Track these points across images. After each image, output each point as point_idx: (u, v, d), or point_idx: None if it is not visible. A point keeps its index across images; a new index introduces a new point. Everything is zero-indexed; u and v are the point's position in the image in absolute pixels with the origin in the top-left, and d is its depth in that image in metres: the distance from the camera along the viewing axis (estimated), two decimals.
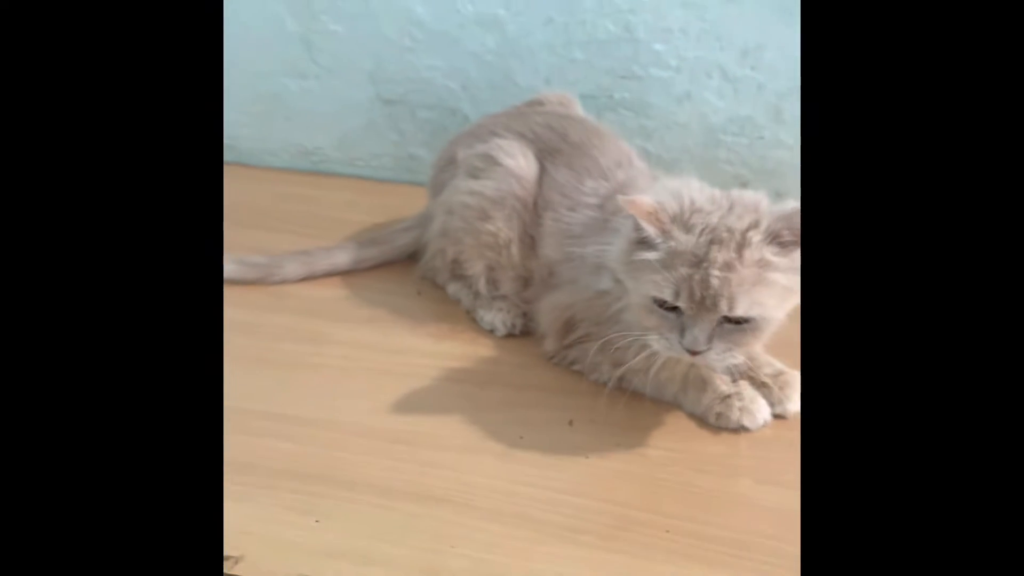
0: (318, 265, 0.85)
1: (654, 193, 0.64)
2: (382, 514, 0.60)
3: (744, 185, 0.97)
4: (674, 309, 0.60)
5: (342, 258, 0.86)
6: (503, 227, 0.75)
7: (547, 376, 0.73)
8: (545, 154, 0.76)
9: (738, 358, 0.61)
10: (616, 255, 0.64)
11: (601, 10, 0.90)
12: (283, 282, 0.84)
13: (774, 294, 0.59)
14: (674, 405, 0.69)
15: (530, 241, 0.75)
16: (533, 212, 0.75)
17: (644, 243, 0.62)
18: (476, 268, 0.77)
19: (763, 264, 0.59)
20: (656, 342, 0.62)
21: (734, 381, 0.68)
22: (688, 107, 0.93)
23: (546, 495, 0.61)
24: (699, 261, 0.59)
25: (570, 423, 0.68)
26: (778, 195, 0.92)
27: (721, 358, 0.60)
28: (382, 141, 1.03)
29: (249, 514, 0.59)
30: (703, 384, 0.67)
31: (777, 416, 0.68)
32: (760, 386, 0.69)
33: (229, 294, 0.81)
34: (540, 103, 0.84)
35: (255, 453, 0.64)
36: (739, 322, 0.59)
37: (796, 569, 0.54)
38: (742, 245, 0.59)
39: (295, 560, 0.56)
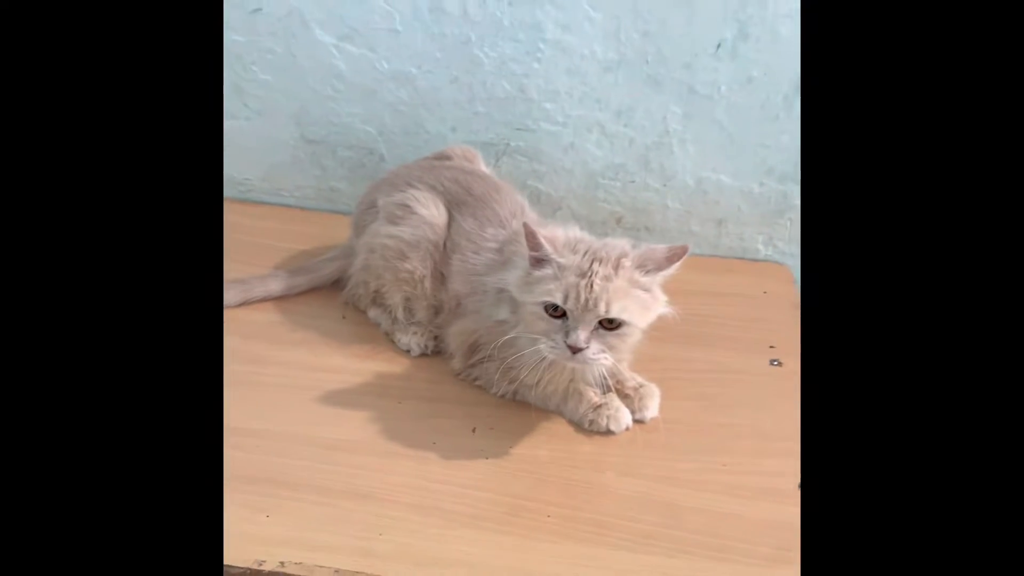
0: (254, 292, 0.97)
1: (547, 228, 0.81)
2: (321, 509, 0.73)
3: (619, 220, 1.14)
4: (561, 316, 0.75)
5: (275, 285, 0.98)
6: (418, 265, 0.89)
7: (454, 390, 0.88)
8: (453, 204, 0.91)
9: (608, 360, 0.76)
10: (514, 279, 0.79)
11: (499, 72, 1.04)
12: (224, 307, 0.96)
13: (638, 306, 0.76)
14: (556, 414, 0.85)
15: (440, 277, 0.90)
16: (443, 253, 0.89)
17: (538, 263, 0.77)
18: (395, 299, 0.91)
19: (632, 281, 0.76)
20: (544, 346, 0.76)
21: (604, 393, 0.85)
22: (572, 155, 1.09)
23: (454, 490, 0.76)
24: (584, 273, 0.74)
25: (473, 430, 0.83)
26: (646, 229, 1.11)
27: (596, 357, 0.75)
28: (305, 175, 1.15)
29: None
30: (579, 396, 0.84)
31: (637, 421, 0.85)
32: (624, 397, 0.86)
33: None
34: (448, 156, 0.98)
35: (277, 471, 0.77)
36: (611, 327, 0.75)
37: (646, 544, 0.72)
38: (617, 265, 0.75)
39: (251, 550, 0.69)
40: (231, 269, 0.99)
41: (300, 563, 0.68)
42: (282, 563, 0.68)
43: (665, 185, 1.10)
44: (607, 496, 0.78)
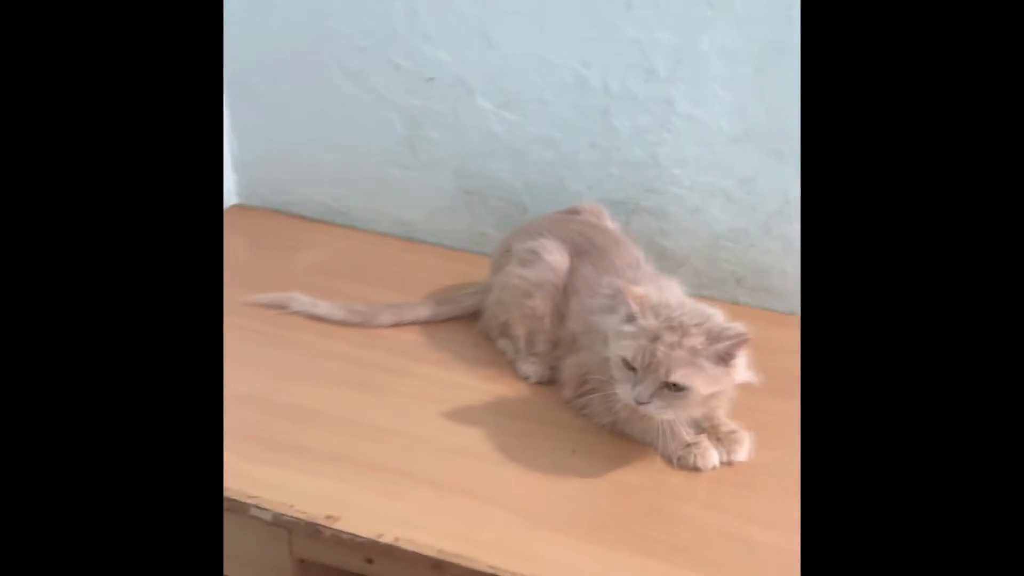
0: (405, 315, 1.13)
1: (646, 288, 0.91)
2: (433, 500, 0.86)
3: (739, 280, 1.22)
4: (633, 369, 0.86)
5: (423, 312, 1.14)
6: (540, 304, 1.02)
7: (563, 416, 0.99)
8: (576, 253, 1.03)
9: (671, 415, 0.86)
10: (611, 324, 0.91)
11: (634, 140, 1.17)
12: (378, 327, 1.12)
13: (700, 376, 0.84)
14: (650, 447, 0.95)
15: (560, 316, 1.02)
16: (564, 295, 1.02)
17: (629, 319, 0.88)
18: (519, 331, 1.04)
19: (694, 352, 0.85)
20: (620, 390, 0.87)
21: (697, 434, 0.93)
22: (697, 217, 1.19)
23: (549, 499, 0.86)
24: (655, 338, 0.85)
25: (573, 451, 0.94)
26: (766, 290, 1.18)
27: (658, 411, 0.86)
28: (460, 220, 1.32)
29: (343, 491, 0.87)
30: (673, 434, 0.93)
31: (726, 463, 0.93)
32: (716, 440, 0.94)
33: (337, 332, 1.11)
34: (577, 211, 1.11)
35: (352, 448, 0.92)
36: (675, 389, 0.85)
37: (718, 570, 0.79)
38: (684, 334, 0.85)
39: (372, 525, 0.83)
40: (390, 296, 1.17)
41: (411, 540, 0.81)
42: (396, 539, 0.81)
43: (784, 251, 1.17)
44: (687, 524, 0.86)
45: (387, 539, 0.81)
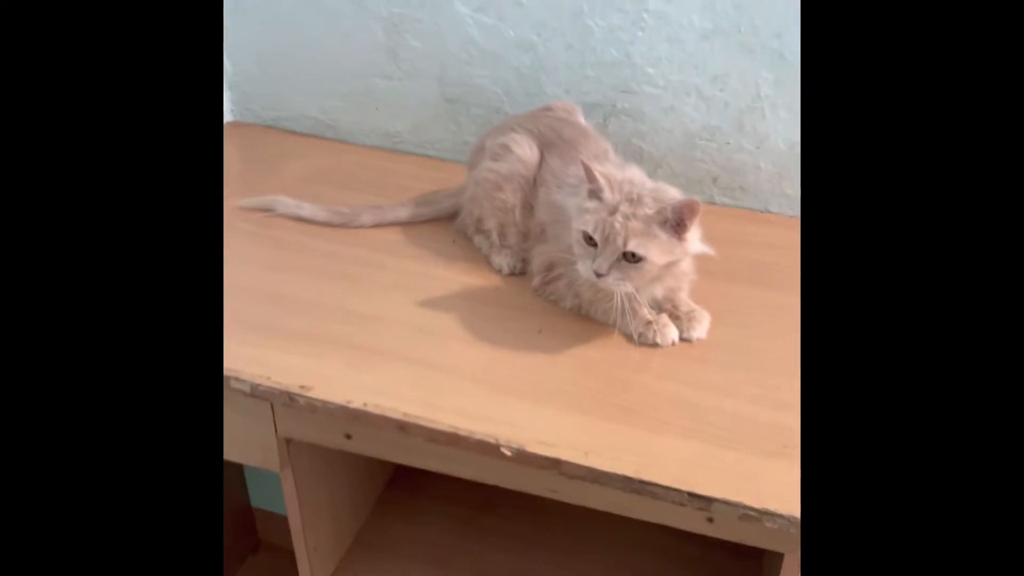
0: (386, 216, 1.17)
1: (609, 169, 0.94)
2: (402, 372, 0.91)
3: (715, 179, 1.24)
4: (594, 244, 0.89)
5: (403, 213, 1.18)
6: (510, 196, 1.05)
7: (532, 303, 1.03)
8: (545, 146, 1.06)
9: (628, 287, 0.89)
10: (572, 205, 0.94)
11: (608, 40, 1.18)
12: (360, 227, 1.17)
13: (655, 245, 0.88)
14: (612, 326, 0.98)
15: (529, 207, 1.05)
16: (533, 187, 1.05)
17: (592, 195, 0.91)
18: (491, 224, 1.08)
19: (648, 221, 0.87)
20: (580, 266, 0.91)
21: (658, 313, 0.97)
22: (672, 117, 1.21)
23: (510, 371, 0.91)
24: (613, 210, 0.88)
25: (539, 331, 0.98)
26: (741, 189, 1.20)
27: (617, 283, 0.89)
28: (444, 130, 1.35)
29: (318, 366, 0.92)
30: (634, 313, 0.96)
31: (684, 340, 0.97)
32: (675, 319, 0.97)
33: (321, 232, 1.16)
34: (550, 109, 1.13)
35: (328, 330, 0.97)
36: (632, 260, 0.88)
37: (665, 428, 0.83)
38: (639, 205, 0.88)
39: (344, 393, 0.88)
40: (374, 201, 1.21)
41: (378, 405, 0.86)
42: (364, 404, 0.87)
43: (758, 148, 1.19)
44: (641, 391, 0.90)
45: (356, 405, 0.87)
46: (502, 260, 1.08)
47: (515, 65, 1.25)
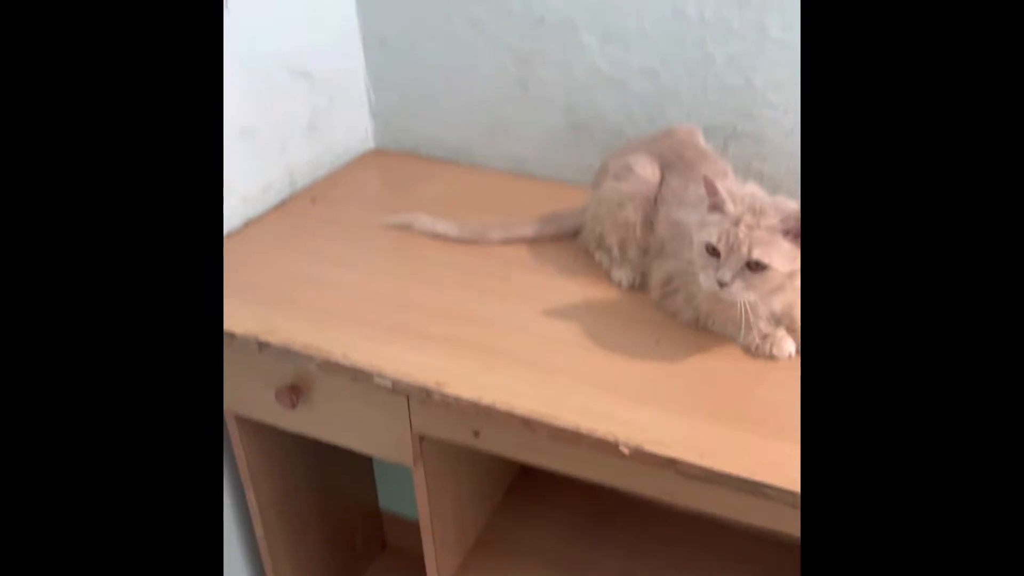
0: (513, 233, 1.25)
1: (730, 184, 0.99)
2: (528, 374, 0.98)
3: None
4: (716, 255, 0.94)
5: (529, 230, 1.25)
6: (631, 213, 1.11)
7: (651, 315, 1.08)
8: (665, 166, 1.12)
9: (751, 296, 0.93)
10: (693, 219, 0.99)
11: (729, 67, 1.23)
12: (489, 243, 1.25)
13: (778, 253, 0.91)
14: (729, 339, 1.02)
15: (649, 224, 1.11)
16: (654, 205, 1.11)
17: (713, 208, 0.96)
18: (612, 240, 1.14)
19: (772, 230, 0.92)
20: (703, 276, 0.95)
21: (775, 327, 1.00)
22: (793, 140, 1.24)
23: (631, 377, 0.97)
24: (736, 221, 0.92)
25: (657, 342, 1.03)
26: None
27: (740, 293, 0.93)
28: (569, 155, 1.42)
29: (452, 366, 1.00)
30: (752, 325, 1.00)
31: (800, 353, 0.99)
32: (792, 332, 1.00)
33: (453, 247, 1.25)
34: (672, 132, 1.19)
35: (460, 334, 1.05)
36: (756, 269, 0.92)
37: (779, 437, 0.87)
38: (762, 215, 0.92)
39: (478, 391, 0.96)
40: (502, 220, 1.30)
41: (506, 403, 0.93)
42: (494, 401, 0.94)
43: None
44: (757, 400, 0.93)
45: (486, 401, 0.94)
46: (622, 274, 1.13)
47: (638, 92, 1.31)
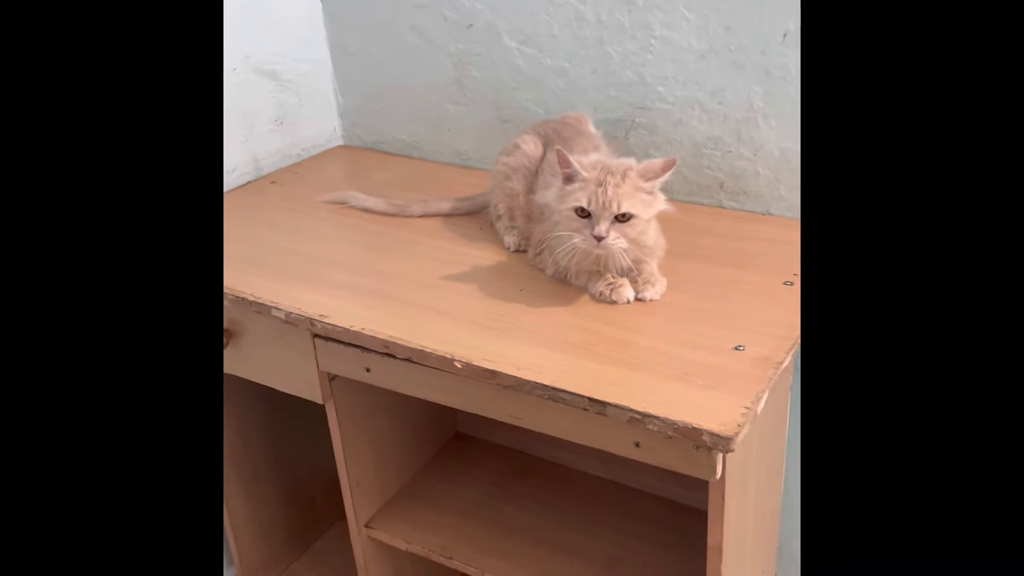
0: (431, 208, 1.42)
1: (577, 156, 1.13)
2: (402, 310, 1.14)
3: (721, 185, 1.39)
4: (586, 216, 1.07)
5: (445, 205, 1.42)
6: (516, 184, 1.26)
7: (526, 270, 1.23)
8: (547, 143, 1.27)
9: (623, 243, 1.06)
10: (552, 194, 1.13)
11: (624, 64, 1.39)
12: (410, 216, 1.42)
13: (642, 203, 1.06)
14: (582, 288, 1.16)
15: (532, 193, 1.26)
16: (535, 176, 1.26)
17: (569, 179, 1.10)
18: (502, 208, 1.29)
19: (636, 186, 1.06)
20: (577, 239, 1.07)
21: (619, 275, 1.13)
22: (681, 129, 1.38)
23: (486, 311, 1.12)
24: (601, 183, 1.06)
25: (520, 289, 1.17)
26: (743, 193, 1.34)
27: (614, 243, 1.06)
28: (500, 146, 1.58)
29: (340, 304, 1.16)
30: (599, 276, 1.13)
31: (639, 300, 1.12)
32: (634, 283, 1.13)
33: (379, 219, 1.42)
34: (564, 118, 1.35)
35: (358, 283, 1.22)
36: (623, 220, 1.05)
37: (593, 354, 1.04)
38: (624, 175, 1.06)
39: (352, 321, 1.12)
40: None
41: (373, 331, 1.09)
42: (363, 328, 1.10)
43: (755, 155, 1.33)
44: (584, 331, 1.07)
45: (356, 328, 1.10)
46: (510, 239, 1.28)
47: (552, 88, 1.48)
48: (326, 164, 1.71)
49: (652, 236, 1.13)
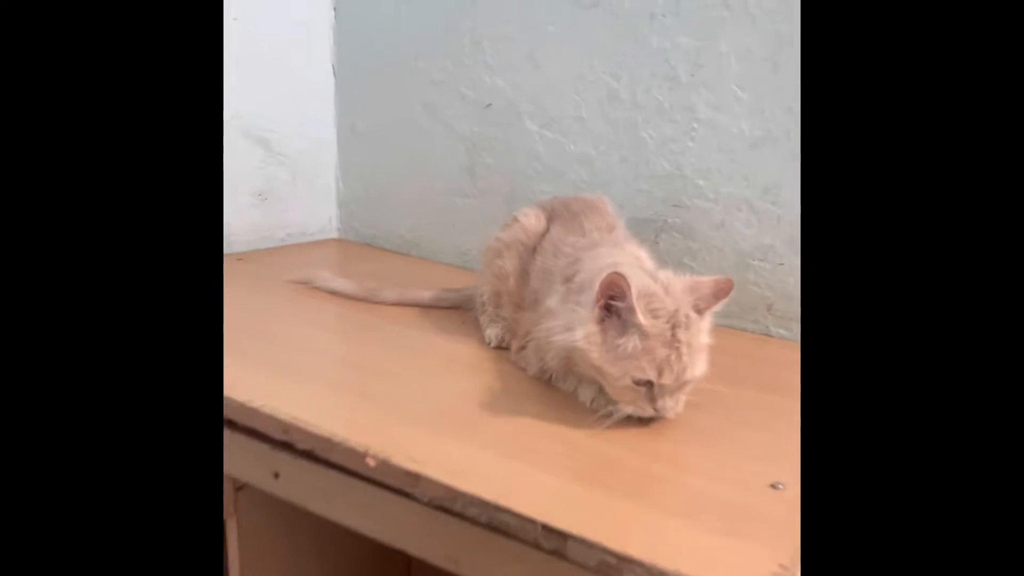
0: (408, 295, 1.16)
1: (628, 271, 0.79)
2: (329, 393, 0.85)
3: (770, 307, 1.10)
4: (648, 384, 0.76)
5: (426, 295, 1.16)
6: (507, 263, 1.00)
7: (501, 367, 0.94)
8: (552, 219, 1.02)
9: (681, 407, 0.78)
10: (594, 343, 0.77)
11: (659, 151, 1.15)
12: (381, 302, 1.16)
13: (705, 357, 0.78)
14: (570, 393, 0.86)
15: (526, 276, 0.99)
16: (531, 255, 1.00)
17: (608, 311, 0.77)
18: (487, 292, 1.03)
19: (699, 334, 0.78)
20: (630, 408, 0.77)
21: None
22: (723, 234, 1.12)
23: (451, 409, 0.82)
24: (670, 343, 0.75)
25: (489, 387, 0.88)
26: (795, 319, 1.06)
27: (676, 408, 0.78)
28: None
29: (265, 386, 0.89)
30: (592, 385, 0.84)
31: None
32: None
33: (345, 303, 1.16)
34: (581, 198, 1.10)
35: (304, 366, 0.95)
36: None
37: (561, 472, 0.70)
38: (689, 325, 0.77)
39: (258, 397, 0.83)
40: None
41: (274, 408, 0.80)
42: (261, 405, 0.81)
43: None
44: (563, 442, 0.76)
45: (254, 405, 0.81)
46: (492, 332, 1.01)
47: (574, 179, 1.25)
48: (308, 253, 1.48)
49: None
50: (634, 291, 0.75)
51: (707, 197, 1.13)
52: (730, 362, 0.89)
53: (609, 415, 0.78)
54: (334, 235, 1.58)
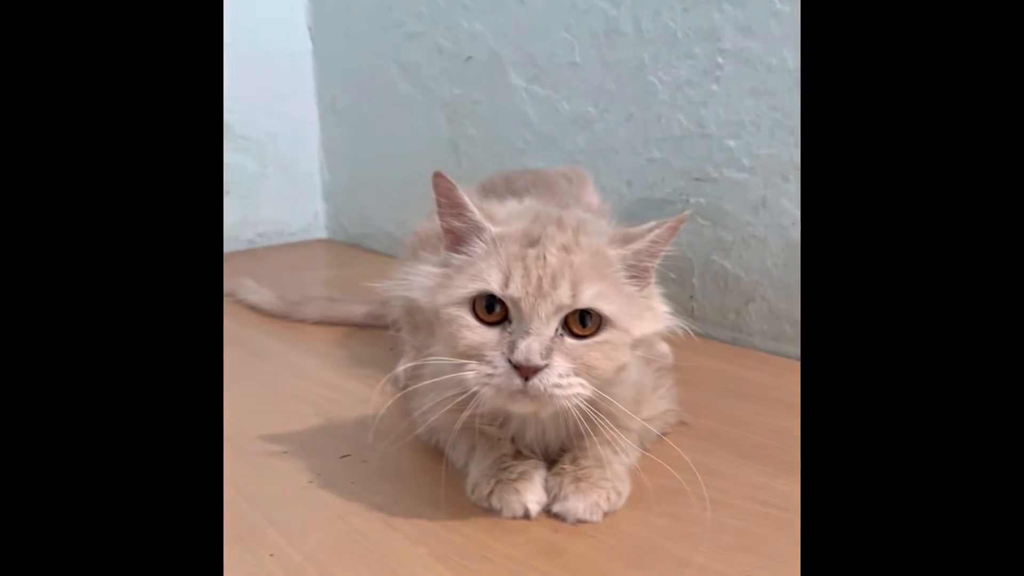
0: (336, 311, 0.90)
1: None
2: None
3: None
4: (499, 322, 0.47)
5: (359, 310, 0.89)
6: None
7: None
8: (488, 196, 0.70)
9: (585, 390, 0.45)
10: (421, 279, 0.52)
11: (673, 101, 0.81)
12: (303, 320, 0.90)
13: (624, 299, 0.47)
14: (459, 466, 0.54)
15: None
16: None
17: (458, 240, 0.51)
18: (399, 309, 0.72)
19: (602, 256, 0.48)
20: (472, 373, 0.46)
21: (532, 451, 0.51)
22: (766, 216, 0.75)
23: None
24: (534, 241, 0.47)
25: (344, 455, 0.57)
26: None
27: (562, 384, 0.45)
28: None
29: None
30: (489, 448, 0.51)
31: (553, 514, 0.48)
32: (557, 475, 0.50)
33: (257, 320, 0.90)
34: (547, 171, 0.78)
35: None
36: (584, 332, 0.46)
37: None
38: (579, 231, 0.49)
39: None
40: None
41: None
42: None
43: None
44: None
45: None
46: (400, 370, 0.70)
47: (570, 149, 0.92)
48: (307, 258, 1.22)
49: (634, 380, 0.52)
50: (472, 201, 0.51)
51: (740, 164, 0.77)
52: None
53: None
54: (322, 234, 1.32)
